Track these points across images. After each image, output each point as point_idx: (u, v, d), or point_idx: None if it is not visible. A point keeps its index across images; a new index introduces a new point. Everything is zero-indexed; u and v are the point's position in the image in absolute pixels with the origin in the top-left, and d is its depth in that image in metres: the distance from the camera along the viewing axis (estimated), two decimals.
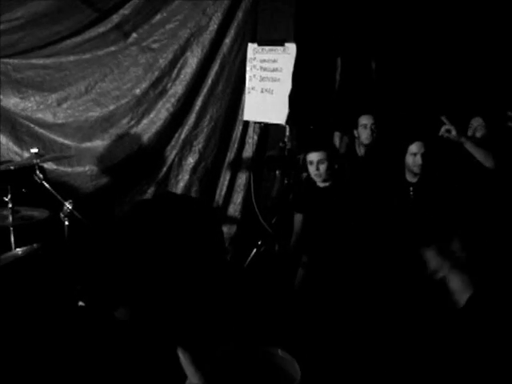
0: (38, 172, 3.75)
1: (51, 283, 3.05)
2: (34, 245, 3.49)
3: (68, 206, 3.62)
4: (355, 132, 4.95)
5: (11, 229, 3.77)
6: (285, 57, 4.72)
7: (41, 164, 4.54)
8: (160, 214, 1.41)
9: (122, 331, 1.43)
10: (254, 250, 4.99)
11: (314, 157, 4.18)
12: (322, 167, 4.16)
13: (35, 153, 3.82)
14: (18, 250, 3.53)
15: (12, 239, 3.74)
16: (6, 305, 2.99)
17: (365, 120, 4.86)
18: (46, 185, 3.74)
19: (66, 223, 3.62)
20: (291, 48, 4.66)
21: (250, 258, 5.01)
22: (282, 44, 4.71)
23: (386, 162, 4.66)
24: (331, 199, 4.24)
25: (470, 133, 4.80)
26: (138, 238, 1.39)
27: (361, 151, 4.98)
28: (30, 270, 3.14)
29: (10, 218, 3.76)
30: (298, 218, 4.41)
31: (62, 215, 3.66)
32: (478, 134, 4.73)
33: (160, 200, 1.48)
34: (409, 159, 4.31)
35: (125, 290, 1.40)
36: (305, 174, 4.51)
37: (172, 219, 1.40)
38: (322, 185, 4.28)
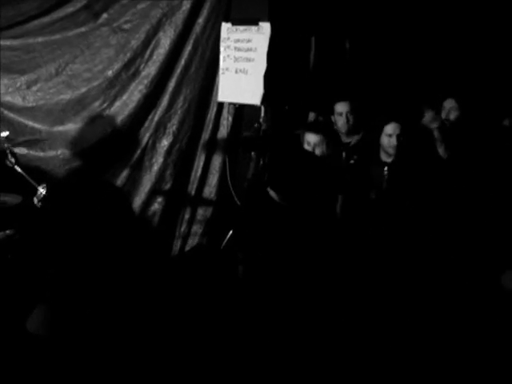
0: (9, 156, 3.65)
1: (25, 267, 3.00)
2: (7, 231, 3.42)
3: (41, 190, 3.54)
4: (332, 118, 4.91)
5: None
6: (259, 36, 4.67)
7: (12, 150, 4.45)
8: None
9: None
10: (230, 232, 4.98)
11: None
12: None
13: (6, 137, 3.72)
14: None
15: None
16: None
17: (339, 108, 4.79)
18: (19, 169, 3.65)
19: (39, 207, 3.53)
20: (265, 27, 4.62)
21: (225, 240, 5.00)
22: (256, 23, 4.66)
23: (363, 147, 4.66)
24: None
25: (443, 115, 4.80)
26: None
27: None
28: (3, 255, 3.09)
29: None
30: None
31: (35, 200, 3.58)
32: (452, 117, 4.73)
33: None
34: (384, 140, 4.33)
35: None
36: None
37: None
38: None
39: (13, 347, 1.25)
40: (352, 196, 4.32)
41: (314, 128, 4.41)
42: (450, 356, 3.22)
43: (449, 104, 4.73)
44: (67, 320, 1.24)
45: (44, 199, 3.52)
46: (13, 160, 3.66)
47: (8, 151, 3.69)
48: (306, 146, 4.28)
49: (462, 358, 3.21)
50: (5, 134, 3.74)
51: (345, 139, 4.79)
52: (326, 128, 4.59)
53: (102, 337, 1.34)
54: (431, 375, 3.11)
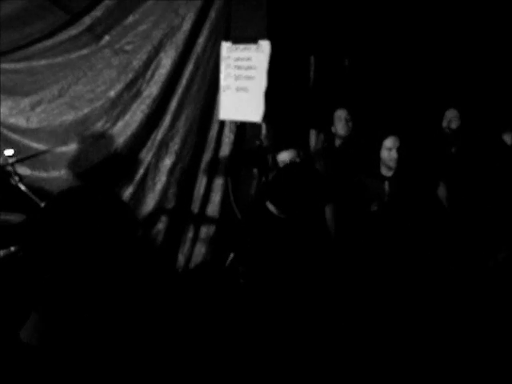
0: (13, 175, 3.69)
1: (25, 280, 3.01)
2: (12, 248, 3.44)
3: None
4: (332, 128, 4.98)
5: None
6: (259, 54, 4.72)
7: (15, 170, 4.49)
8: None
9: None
10: (232, 254, 4.98)
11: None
12: None
13: (9, 155, 3.76)
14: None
15: None
16: None
17: (339, 112, 4.92)
18: (22, 187, 3.69)
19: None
20: (265, 45, 4.67)
21: (230, 259, 4.99)
22: (255, 41, 4.72)
23: (360, 156, 4.70)
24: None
25: (444, 124, 4.86)
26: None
27: (338, 144, 5.02)
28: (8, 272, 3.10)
29: None
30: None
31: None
32: (453, 126, 4.79)
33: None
34: (384, 154, 4.36)
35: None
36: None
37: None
38: None
39: (6, 356, 1.25)
40: (349, 206, 4.34)
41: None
42: (450, 356, 3.20)
43: (451, 114, 4.79)
44: (59, 330, 1.24)
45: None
46: (16, 178, 3.70)
47: (12, 170, 3.72)
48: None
49: (462, 357, 3.20)
50: (9, 152, 3.78)
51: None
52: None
53: (99, 345, 1.34)
54: (431, 375, 3.09)
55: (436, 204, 4.40)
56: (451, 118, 4.79)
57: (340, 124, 4.92)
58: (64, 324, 1.32)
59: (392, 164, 4.32)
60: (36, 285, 1.34)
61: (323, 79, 5.47)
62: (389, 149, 4.31)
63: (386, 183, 4.38)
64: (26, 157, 4.26)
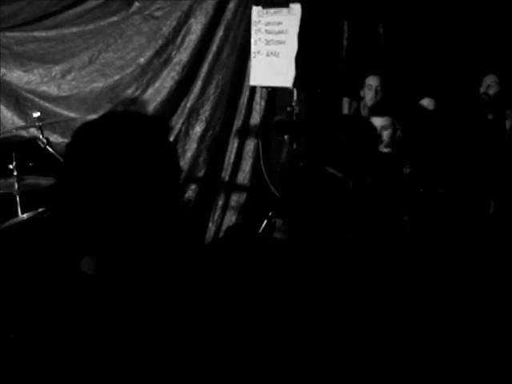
0: (41, 137, 3.69)
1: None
2: (39, 209, 3.46)
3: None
4: (361, 92, 4.87)
5: (17, 196, 3.71)
6: (290, 18, 4.63)
7: (46, 136, 4.51)
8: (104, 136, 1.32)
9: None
10: (265, 222, 4.95)
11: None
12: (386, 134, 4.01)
13: (37, 117, 3.76)
14: (23, 215, 3.50)
15: (18, 206, 3.68)
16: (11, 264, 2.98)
17: (371, 81, 4.78)
18: (50, 149, 3.69)
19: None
20: (296, 9, 4.58)
21: (262, 228, 4.96)
22: (286, 5, 4.63)
23: None
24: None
25: (482, 90, 4.70)
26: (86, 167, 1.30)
27: (364, 112, 4.91)
28: (34, 232, 3.12)
29: (16, 186, 3.71)
30: None
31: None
32: (491, 92, 4.63)
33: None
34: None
35: (88, 235, 1.35)
36: None
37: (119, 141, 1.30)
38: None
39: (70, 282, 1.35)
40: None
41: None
42: (450, 356, 3.12)
43: (489, 79, 4.63)
44: (110, 263, 1.29)
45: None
46: (44, 140, 3.71)
47: (40, 131, 3.73)
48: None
49: (462, 357, 3.11)
50: (36, 114, 3.79)
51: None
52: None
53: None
54: (431, 375, 3.01)
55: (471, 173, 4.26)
56: (490, 84, 4.63)
57: (369, 94, 4.77)
58: (113, 259, 1.36)
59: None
60: (85, 231, 1.35)
61: (357, 46, 5.34)
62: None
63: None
64: (52, 120, 4.25)
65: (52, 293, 1.41)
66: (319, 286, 3.47)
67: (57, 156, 3.68)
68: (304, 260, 3.56)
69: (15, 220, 3.40)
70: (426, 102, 4.18)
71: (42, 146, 3.70)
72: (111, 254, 1.34)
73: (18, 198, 3.65)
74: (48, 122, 4.05)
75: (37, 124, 3.72)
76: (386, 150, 3.97)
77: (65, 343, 1.29)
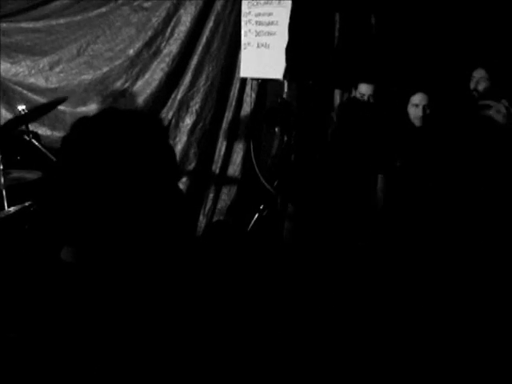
0: (26, 130, 3.65)
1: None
2: (26, 203, 3.42)
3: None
4: (353, 91, 4.80)
5: (3, 190, 3.67)
6: (280, 9, 4.58)
7: (34, 130, 4.47)
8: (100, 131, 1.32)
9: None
10: (257, 215, 4.91)
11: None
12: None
13: (22, 109, 3.71)
14: (9, 209, 3.46)
15: (5, 200, 3.64)
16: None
17: (363, 89, 4.69)
18: (36, 142, 3.65)
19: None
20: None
21: (252, 223, 4.92)
22: None
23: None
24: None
25: (472, 85, 4.64)
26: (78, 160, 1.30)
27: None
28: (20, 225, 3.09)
29: (2, 180, 3.66)
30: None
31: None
32: (481, 87, 4.57)
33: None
34: (410, 110, 4.20)
35: (70, 225, 1.34)
36: None
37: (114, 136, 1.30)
38: None
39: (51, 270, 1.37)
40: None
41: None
42: (450, 356, 3.10)
43: (478, 74, 4.56)
44: (90, 251, 1.29)
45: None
46: (30, 134, 3.66)
47: (24, 126, 3.68)
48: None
49: (462, 357, 3.09)
50: (21, 107, 3.75)
51: None
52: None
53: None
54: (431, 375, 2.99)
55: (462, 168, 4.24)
56: (478, 79, 4.56)
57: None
58: (92, 247, 1.37)
59: (417, 122, 4.16)
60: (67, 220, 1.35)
61: (349, 37, 5.29)
62: (415, 105, 4.15)
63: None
64: (35, 110, 4.17)
65: (34, 280, 1.43)
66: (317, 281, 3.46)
67: (43, 150, 3.64)
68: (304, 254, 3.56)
69: (1, 214, 3.36)
70: (419, 98, 4.13)
71: (28, 139, 3.65)
72: (90, 243, 1.33)
73: (3, 192, 3.61)
74: (32, 113, 3.97)
75: (21, 112, 3.67)
76: None
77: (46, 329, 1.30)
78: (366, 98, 4.65)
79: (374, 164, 4.13)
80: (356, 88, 4.84)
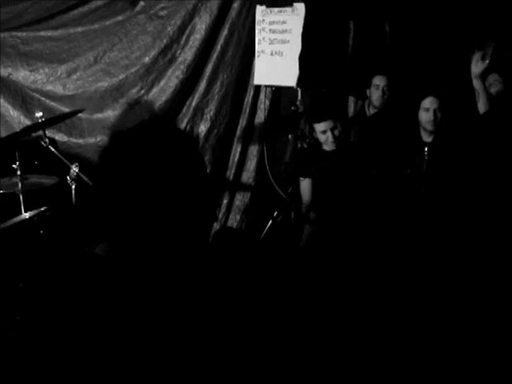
0: (44, 137, 3.72)
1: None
2: (42, 208, 3.49)
3: (74, 169, 3.60)
4: (367, 91, 4.86)
5: (21, 195, 3.75)
6: (294, 18, 4.63)
7: (51, 136, 4.54)
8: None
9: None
10: (270, 222, 4.93)
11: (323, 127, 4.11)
12: (336, 132, 4.10)
13: (40, 116, 3.79)
14: (26, 214, 3.53)
15: (22, 205, 3.72)
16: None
17: (378, 81, 4.79)
18: (52, 149, 3.72)
19: (73, 186, 3.60)
20: (300, 8, 4.58)
21: (266, 230, 4.94)
22: (290, 4, 4.62)
23: (398, 122, 4.57)
24: (338, 161, 4.19)
25: None
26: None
27: (370, 112, 4.90)
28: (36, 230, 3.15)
29: (20, 185, 3.74)
30: (306, 183, 4.34)
31: (68, 179, 3.64)
32: (493, 90, 4.60)
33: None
34: (421, 115, 4.20)
35: (105, 224, 1.42)
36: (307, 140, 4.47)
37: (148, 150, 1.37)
38: (328, 148, 4.21)
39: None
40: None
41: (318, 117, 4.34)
42: (450, 356, 3.11)
43: (492, 78, 4.59)
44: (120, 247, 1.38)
45: (77, 177, 3.57)
46: (47, 140, 3.73)
47: (42, 131, 3.75)
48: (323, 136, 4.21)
49: (462, 357, 3.10)
50: (39, 114, 3.82)
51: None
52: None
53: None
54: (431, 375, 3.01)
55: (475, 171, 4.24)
56: (492, 82, 4.59)
57: (376, 94, 4.78)
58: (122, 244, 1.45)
59: (429, 127, 4.16)
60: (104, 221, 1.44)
61: (363, 45, 5.32)
62: (426, 109, 4.16)
63: (426, 150, 4.23)
64: (53, 118, 4.25)
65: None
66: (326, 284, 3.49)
67: (59, 156, 3.71)
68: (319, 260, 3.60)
69: (18, 218, 3.43)
70: (429, 101, 4.15)
71: (45, 145, 3.73)
72: (122, 240, 1.41)
73: (21, 197, 3.68)
74: (50, 120, 4.05)
75: (38, 120, 3.74)
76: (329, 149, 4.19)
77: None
78: (380, 89, 4.71)
79: (384, 172, 4.15)
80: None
